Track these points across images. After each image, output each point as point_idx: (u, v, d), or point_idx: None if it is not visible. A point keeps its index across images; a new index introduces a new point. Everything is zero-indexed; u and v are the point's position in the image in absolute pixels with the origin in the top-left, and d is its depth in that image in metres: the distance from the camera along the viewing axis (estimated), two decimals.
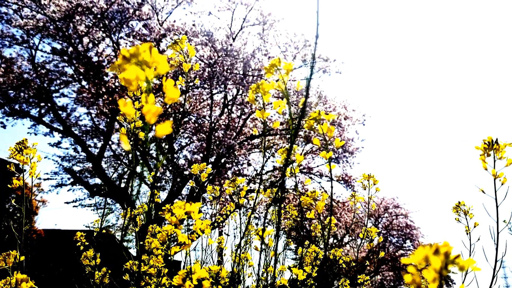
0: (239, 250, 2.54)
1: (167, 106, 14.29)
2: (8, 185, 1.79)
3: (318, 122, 1.42)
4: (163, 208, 1.62)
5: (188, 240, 1.38)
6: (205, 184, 13.43)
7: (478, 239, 2.22)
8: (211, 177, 14.18)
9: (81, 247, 3.29)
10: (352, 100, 17.87)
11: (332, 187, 1.44)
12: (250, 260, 2.53)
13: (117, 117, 2.03)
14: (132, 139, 1.99)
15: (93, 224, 3.41)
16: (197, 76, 13.57)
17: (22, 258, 1.75)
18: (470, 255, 2.21)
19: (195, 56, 13.46)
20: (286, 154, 1.19)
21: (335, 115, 1.47)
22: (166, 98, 0.74)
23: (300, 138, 15.64)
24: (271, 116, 15.37)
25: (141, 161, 14.92)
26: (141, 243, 2.01)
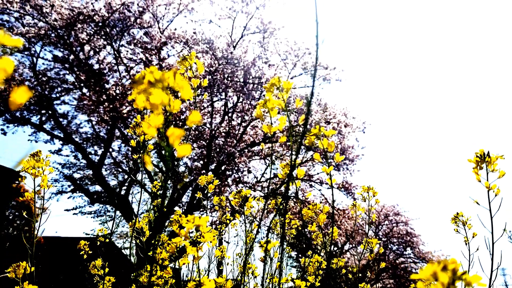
0: (242, 259, 2.58)
1: (168, 114, 14.33)
2: (20, 198, 1.83)
3: (319, 138, 1.46)
4: (170, 219, 1.66)
5: (197, 253, 1.42)
6: (206, 192, 13.42)
7: (477, 249, 2.26)
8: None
9: (85, 256, 3.32)
10: (352, 108, 18.00)
11: (333, 200, 1.48)
12: (255, 271, 2.56)
13: (127, 130, 2.08)
14: (141, 151, 2.03)
15: (98, 232, 3.43)
16: (199, 86, 13.61)
17: (33, 269, 1.78)
18: (469, 265, 2.25)
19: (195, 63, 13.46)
20: (290, 168, 1.23)
21: (335, 131, 1.51)
22: (188, 121, 0.79)
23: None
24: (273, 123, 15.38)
25: (142, 169, 14.93)
26: (149, 254, 2.04)
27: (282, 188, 16.12)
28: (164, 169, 15.81)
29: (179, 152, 0.76)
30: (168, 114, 0.74)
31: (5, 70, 0.50)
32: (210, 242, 1.46)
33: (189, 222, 1.38)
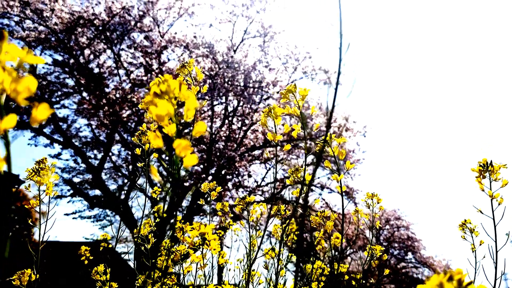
0: (245, 266, 2.57)
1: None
2: (26, 206, 1.83)
3: (329, 145, 1.46)
4: (175, 226, 1.65)
5: (202, 261, 1.41)
6: (207, 197, 13.43)
7: (484, 257, 2.26)
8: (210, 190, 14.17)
9: (86, 261, 3.31)
10: (353, 112, 17.95)
11: (343, 209, 1.48)
12: (260, 278, 2.56)
13: (132, 138, 2.08)
14: (146, 159, 2.03)
15: (101, 237, 3.43)
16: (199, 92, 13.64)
17: (37, 276, 1.78)
18: (475, 273, 2.25)
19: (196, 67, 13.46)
20: (310, 178, 1.23)
21: (346, 139, 1.51)
22: (194, 131, 0.79)
23: (301, 149, 15.69)
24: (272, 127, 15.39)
25: (145, 176, 14.91)
26: (153, 260, 2.04)
27: (286, 194, 16.10)
28: (164, 173, 15.80)
29: (186, 162, 0.75)
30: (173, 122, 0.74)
31: (29, 88, 0.50)
32: (215, 249, 1.46)
33: (194, 230, 1.38)
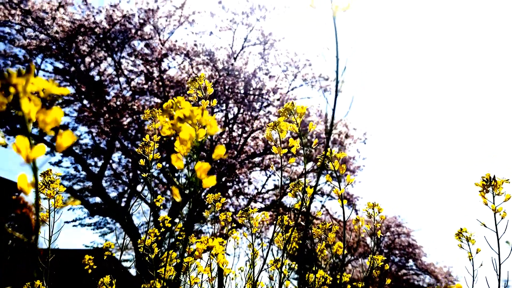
0: (247, 275, 2.59)
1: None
2: (36, 217, 1.84)
3: (330, 160, 1.49)
4: (178, 237, 1.68)
5: (210, 274, 1.43)
6: (206, 204, 13.47)
7: (481, 265, 2.29)
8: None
9: (89, 270, 3.33)
10: (354, 119, 17.97)
11: (345, 221, 1.51)
12: None
13: (136, 149, 2.11)
14: (148, 169, 2.07)
15: (105, 245, 3.44)
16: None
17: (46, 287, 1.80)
18: (473, 281, 2.27)
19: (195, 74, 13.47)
20: (311, 193, 1.26)
21: (346, 154, 1.54)
22: (214, 154, 0.82)
23: (300, 156, 15.70)
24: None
25: (142, 181, 14.98)
26: (158, 271, 2.07)
27: (286, 200, 16.09)
28: (164, 180, 15.80)
29: (206, 183, 0.78)
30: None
31: (55, 120, 0.53)
32: (221, 261, 1.48)
33: (202, 243, 1.40)
